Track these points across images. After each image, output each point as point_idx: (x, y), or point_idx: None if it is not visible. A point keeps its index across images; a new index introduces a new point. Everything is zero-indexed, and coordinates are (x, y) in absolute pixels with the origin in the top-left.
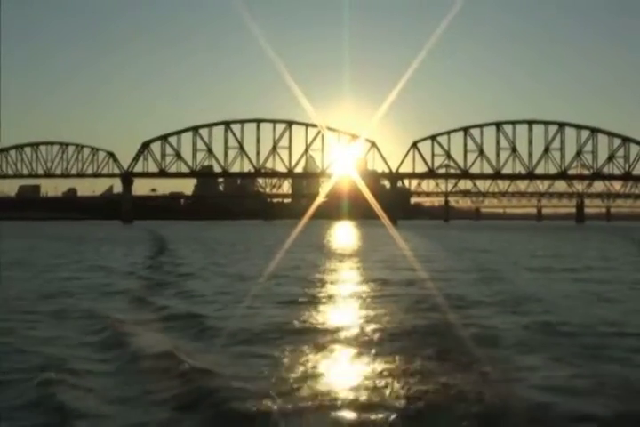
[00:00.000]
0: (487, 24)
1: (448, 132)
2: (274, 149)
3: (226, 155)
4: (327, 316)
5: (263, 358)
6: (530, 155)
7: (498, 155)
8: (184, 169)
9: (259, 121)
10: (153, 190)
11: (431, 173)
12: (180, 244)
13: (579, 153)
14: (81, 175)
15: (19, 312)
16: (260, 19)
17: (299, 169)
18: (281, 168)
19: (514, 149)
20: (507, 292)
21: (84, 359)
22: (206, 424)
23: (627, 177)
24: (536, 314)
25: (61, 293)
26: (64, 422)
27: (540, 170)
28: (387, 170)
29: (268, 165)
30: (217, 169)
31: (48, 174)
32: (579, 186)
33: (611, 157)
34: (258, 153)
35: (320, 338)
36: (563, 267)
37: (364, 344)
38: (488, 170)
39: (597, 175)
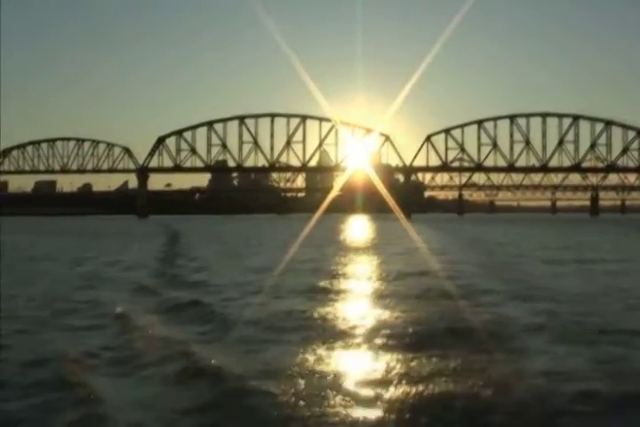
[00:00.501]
0: (500, 17)
1: (462, 126)
2: (288, 143)
3: (240, 149)
4: (341, 306)
5: (275, 347)
6: (544, 148)
7: (512, 148)
8: (199, 164)
9: (273, 116)
10: (168, 185)
11: (445, 167)
12: (195, 238)
13: (593, 146)
14: (97, 171)
15: (58, 301)
16: (274, 13)
17: (313, 163)
18: (295, 162)
19: (528, 142)
20: (518, 282)
21: (102, 346)
22: (217, 413)
23: None
24: (546, 303)
25: (85, 285)
26: (81, 405)
27: (554, 163)
28: (400, 164)
29: (282, 159)
30: (231, 164)
31: (64, 170)
32: (593, 179)
33: (625, 150)
34: (272, 148)
35: (334, 327)
36: (578, 258)
37: (376, 332)
38: (502, 163)
39: (612, 168)
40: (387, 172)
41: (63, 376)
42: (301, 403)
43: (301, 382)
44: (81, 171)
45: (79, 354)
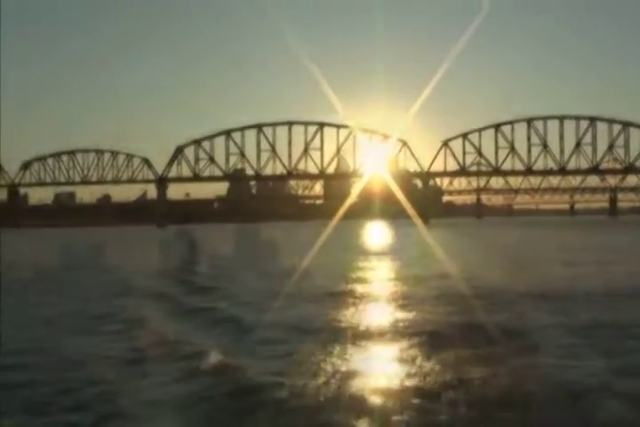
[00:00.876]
0: (516, 23)
1: (479, 130)
2: (305, 150)
3: (258, 157)
4: (361, 308)
5: (295, 351)
6: (561, 150)
7: (529, 151)
8: (217, 173)
9: (290, 123)
10: (187, 195)
11: (463, 171)
12: (214, 246)
13: (610, 147)
14: (116, 181)
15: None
16: (293, 23)
17: (330, 170)
18: (313, 170)
19: (545, 145)
20: (536, 283)
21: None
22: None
23: None
24: (564, 304)
25: (112, 292)
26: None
27: (571, 165)
28: (418, 169)
29: (300, 166)
30: (249, 172)
31: (85, 181)
32: (611, 180)
33: None
34: (290, 155)
35: (354, 330)
36: (596, 260)
37: (394, 331)
38: (520, 166)
39: (630, 169)
40: (404, 177)
41: (95, 374)
42: (322, 397)
43: (321, 379)
44: (101, 182)
45: (109, 356)
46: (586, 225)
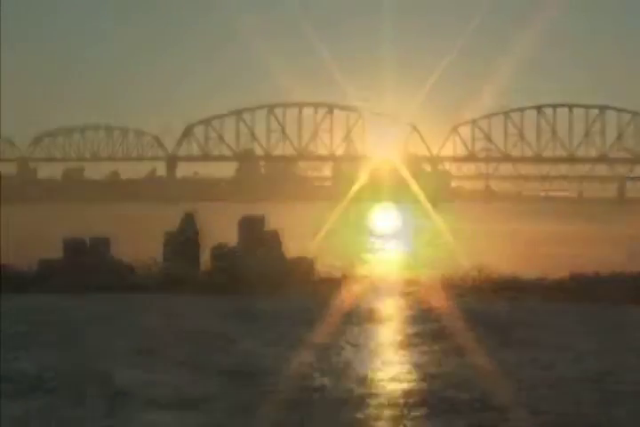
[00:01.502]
0: (524, 9)
1: (488, 116)
2: (315, 132)
3: (268, 138)
4: (367, 293)
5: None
6: (570, 138)
7: (538, 138)
8: (227, 152)
9: (301, 105)
10: (195, 173)
11: (471, 157)
12: (223, 225)
13: (620, 136)
14: (126, 159)
15: None
16: (302, 4)
17: (339, 152)
18: (322, 151)
19: (554, 133)
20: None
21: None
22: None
23: None
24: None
25: None
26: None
27: (580, 153)
28: (427, 153)
29: (310, 148)
30: (259, 152)
31: (94, 158)
32: (620, 169)
33: None
34: (299, 137)
35: (359, 316)
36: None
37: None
38: (528, 153)
39: (639, 158)
40: (413, 161)
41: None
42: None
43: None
44: (111, 159)
45: None
46: (593, 213)
